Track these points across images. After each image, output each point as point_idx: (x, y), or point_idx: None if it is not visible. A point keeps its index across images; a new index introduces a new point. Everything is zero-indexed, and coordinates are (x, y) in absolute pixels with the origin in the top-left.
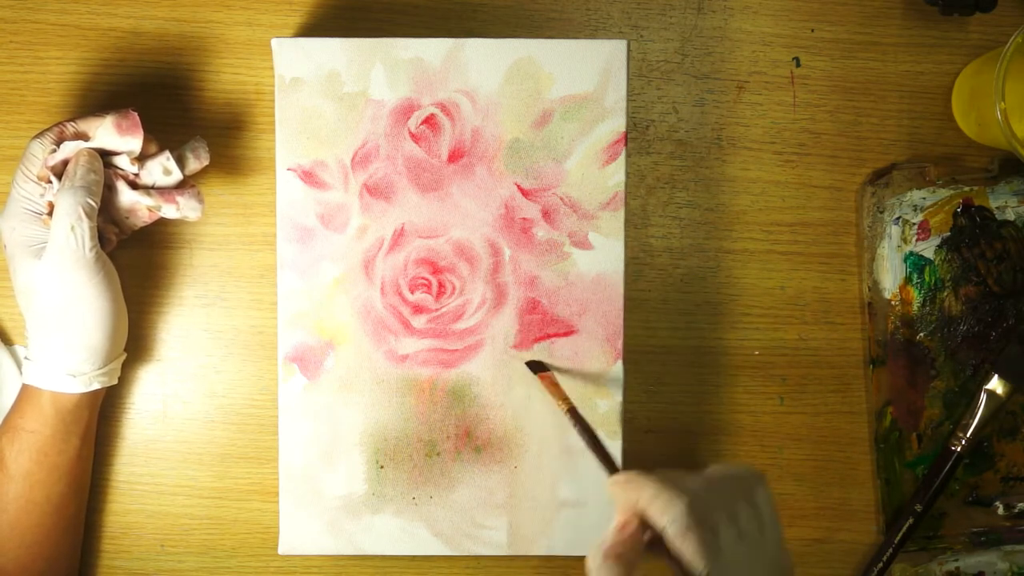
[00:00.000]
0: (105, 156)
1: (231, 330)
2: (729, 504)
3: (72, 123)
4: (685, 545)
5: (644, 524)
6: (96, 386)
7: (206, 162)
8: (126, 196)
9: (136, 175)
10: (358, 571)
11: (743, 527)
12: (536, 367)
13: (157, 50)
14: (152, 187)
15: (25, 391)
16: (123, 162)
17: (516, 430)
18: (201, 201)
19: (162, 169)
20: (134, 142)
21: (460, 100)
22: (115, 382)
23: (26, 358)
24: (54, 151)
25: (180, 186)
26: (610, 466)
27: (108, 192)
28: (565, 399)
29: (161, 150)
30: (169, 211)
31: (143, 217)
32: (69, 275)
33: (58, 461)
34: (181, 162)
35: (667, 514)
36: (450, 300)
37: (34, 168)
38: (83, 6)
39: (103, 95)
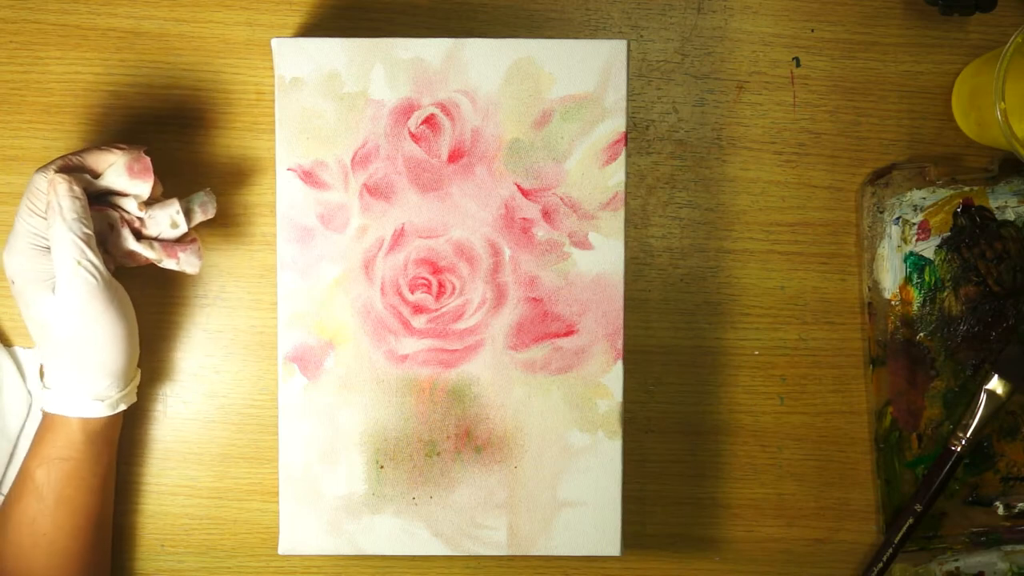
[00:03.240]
0: (111, 195)
1: (231, 330)
2: None
3: (79, 156)
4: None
5: None
6: (123, 407)
7: (212, 215)
8: (129, 244)
9: (141, 220)
10: (358, 571)
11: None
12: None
13: (157, 50)
14: (156, 238)
15: (50, 420)
16: (130, 206)
17: (516, 430)
18: (200, 257)
19: (170, 222)
20: (143, 186)
21: (460, 100)
22: (135, 399)
23: (45, 386)
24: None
25: (182, 239)
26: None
27: (111, 232)
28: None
29: (166, 196)
30: (169, 264)
31: (140, 262)
32: (86, 306)
33: (94, 483)
34: (188, 215)
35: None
36: (450, 300)
37: (39, 202)
38: (83, 6)
39: (103, 95)
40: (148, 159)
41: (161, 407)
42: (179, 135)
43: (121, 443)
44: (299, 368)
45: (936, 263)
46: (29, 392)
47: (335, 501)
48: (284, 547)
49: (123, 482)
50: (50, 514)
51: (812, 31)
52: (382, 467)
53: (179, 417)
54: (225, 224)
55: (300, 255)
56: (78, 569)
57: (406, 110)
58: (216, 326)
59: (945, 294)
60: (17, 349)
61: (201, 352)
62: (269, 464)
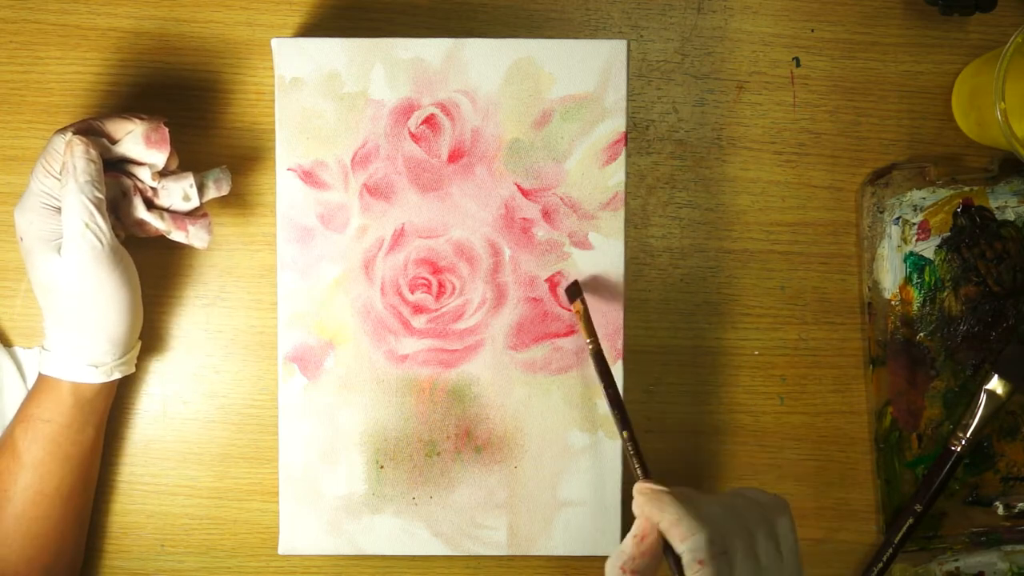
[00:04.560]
0: (126, 162)
1: (231, 330)
2: (750, 535)
3: (99, 121)
4: (697, 575)
5: (662, 536)
6: (117, 375)
7: (226, 192)
8: (140, 212)
9: (154, 191)
10: (358, 571)
11: (762, 561)
12: (574, 292)
13: (157, 50)
14: (167, 209)
15: (43, 381)
16: (144, 175)
17: (516, 430)
18: (210, 233)
19: (183, 195)
20: (159, 156)
21: (460, 100)
22: (133, 370)
23: (44, 348)
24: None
25: (193, 212)
26: (622, 423)
27: (123, 199)
28: (593, 335)
29: (182, 169)
30: (178, 236)
31: (150, 232)
32: (89, 270)
33: (71, 452)
34: (201, 190)
35: (686, 542)
36: (450, 300)
37: (55, 163)
38: (83, 6)
39: (103, 95)
40: (166, 130)
41: (161, 407)
42: (179, 135)
43: (121, 443)
44: (299, 368)
45: (936, 263)
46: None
47: (335, 501)
48: (284, 547)
49: (123, 482)
50: (19, 473)
51: (812, 31)
52: (382, 467)
53: (179, 417)
54: (225, 224)
55: (300, 255)
56: (33, 536)
57: (406, 110)
58: (216, 326)
59: (945, 294)
60: (17, 349)
61: (201, 352)
62: (269, 464)
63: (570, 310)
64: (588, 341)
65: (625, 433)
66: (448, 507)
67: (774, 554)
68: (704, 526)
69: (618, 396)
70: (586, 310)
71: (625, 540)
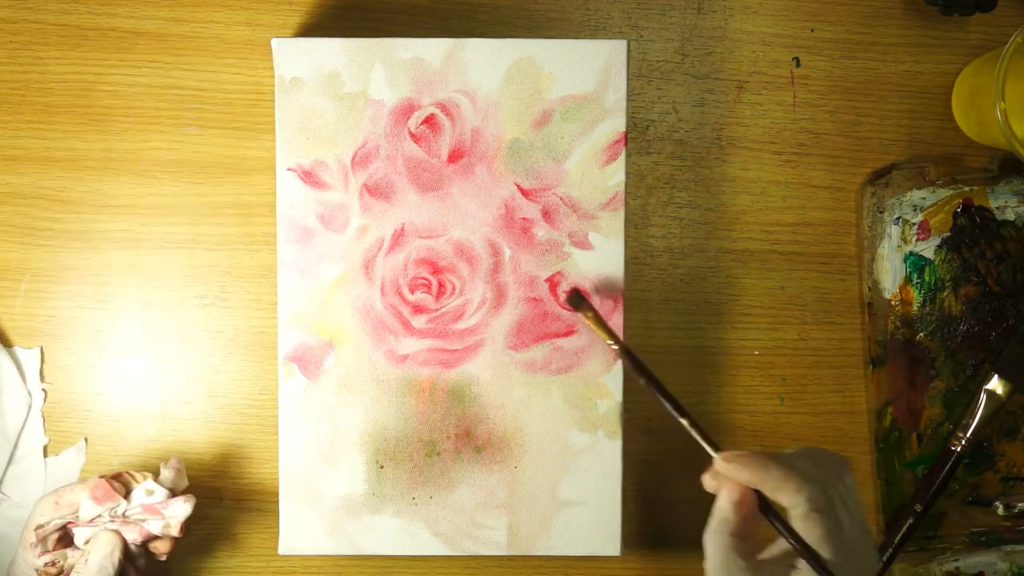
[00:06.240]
0: (99, 519)
1: (231, 330)
2: (835, 489)
3: (57, 497)
4: (812, 527)
5: (755, 498)
6: None
7: (183, 476)
8: (133, 548)
9: (125, 517)
10: (358, 571)
11: (850, 510)
12: (577, 301)
13: (157, 50)
14: (141, 519)
15: None
16: (110, 518)
17: (516, 430)
18: (185, 510)
19: (145, 493)
20: (111, 503)
21: (460, 100)
22: None
23: None
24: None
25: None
26: (678, 410)
27: (125, 561)
28: (614, 336)
29: (125, 490)
30: (155, 526)
31: (161, 550)
32: None
33: None
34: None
35: (801, 494)
36: (450, 300)
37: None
38: (83, 6)
39: (103, 95)
40: (103, 480)
41: (161, 407)
42: (179, 135)
43: (121, 443)
44: (299, 368)
45: (936, 263)
46: (29, 392)
47: (335, 501)
48: (284, 547)
49: None
50: None
51: (812, 31)
52: (382, 467)
53: (179, 417)
54: (225, 224)
55: (300, 255)
56: None
57: (406, 110)
58: (216, 326)
59: (945, 294)
60: (17, 349)
61: (201, 352)
62: (269, 464)
63: (572, 311)
64: (611, 343)
65: (685, 420)
66: (448, 507)
67: (854, 507)
68: (811, 479)
69: (662, 386)
70: (597, 315)
71: (720, 510)
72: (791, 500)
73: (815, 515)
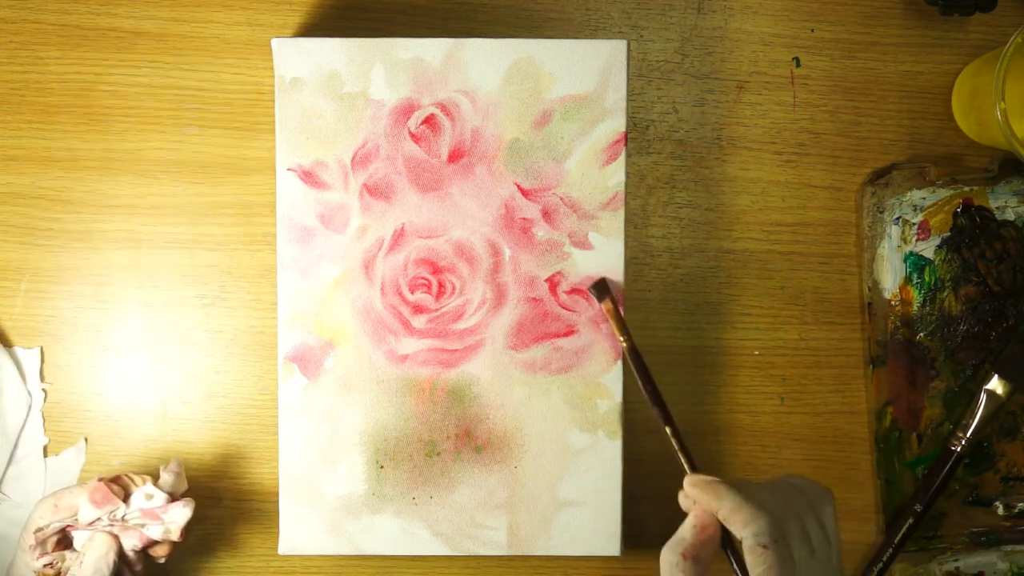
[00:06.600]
0: (98, 522)
1: (231, 330)
2: (801, 521)
3: (56, 500)
4: (760, 559)
5: (720, 526)
6: None
7: (183, 479)
8: (127, 550)
9: (124, 521)
10: (358, 571)
11: (814, 546)
12: (601, 290)
13: (157, 50)
14: (140, 524)
15: None
16: (109, 522)
17: (516, 430)
18: (185, 515)
19: (144, 497)
20: (110, 506)
21: (460, 100)
22: None
23: None
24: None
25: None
26: (665, 419)
27: (121, 563)
28: (626, 332)
29: (124, 494)
30: (154, 531)
31: (160, 553)
32: None
33: None
34: (162, 488)
35: (749, 527)
36: (450, 300)
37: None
38: (83, 6)
39: (103, 95)
40: (102, 484)
41: (161, 407)
42: (179, 135)
43: (121, 443)
44: (299, 368)
45: (936, 263)
46: (29, 392)
47: (335, 501)
48: (284, 547)
49: None
50: None
51: (812, 31)
52: (382, 467)
53: (179, 417)
54: (225, 224)
55: (300, 255)
56: None
57: (406, 110)
58: (216, 326)
59: (945, 294)
60: (17, 349)
61: (201, 352)
62: (269, 464)
63: (573, 311)
64: (622, 339)
65: (668, 428)
66: (448, 507)
67: (823, 540)
68: (764, 512)
69: (657, 392)
70: (616, 308)
71: (682, 529)
72: (740, 532)
73: (759, 549)
